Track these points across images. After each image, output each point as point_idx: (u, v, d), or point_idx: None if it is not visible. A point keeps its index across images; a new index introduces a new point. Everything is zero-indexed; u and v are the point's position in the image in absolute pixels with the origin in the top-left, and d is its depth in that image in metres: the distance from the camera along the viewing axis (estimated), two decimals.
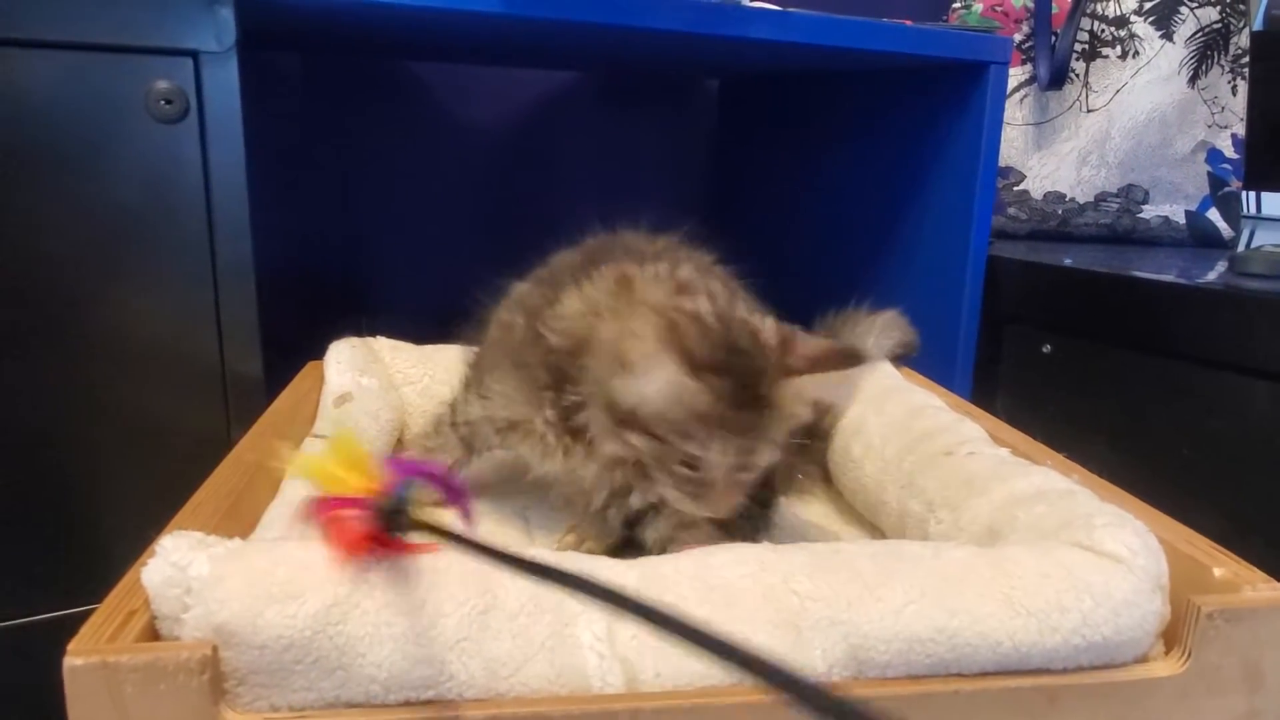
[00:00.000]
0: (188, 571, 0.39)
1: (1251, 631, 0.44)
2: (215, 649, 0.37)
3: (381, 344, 0.83)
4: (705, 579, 0.44)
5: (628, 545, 0.60)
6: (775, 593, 0.43)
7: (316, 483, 0.41)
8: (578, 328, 0.55)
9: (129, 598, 0.40)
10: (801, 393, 0.52)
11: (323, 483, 0.41)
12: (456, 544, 0.39)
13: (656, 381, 0.49)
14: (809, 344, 0.53)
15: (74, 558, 0.70)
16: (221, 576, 0.39)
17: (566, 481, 0.61)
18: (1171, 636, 0.45)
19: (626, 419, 0.51)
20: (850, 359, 0.52)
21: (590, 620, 0.41)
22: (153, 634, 0.39)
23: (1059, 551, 0.45)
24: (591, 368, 0.53)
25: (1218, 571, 0.46)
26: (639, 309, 0.52)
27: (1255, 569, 0.46)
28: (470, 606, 0.41)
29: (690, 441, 0.50)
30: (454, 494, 0.42)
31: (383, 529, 0.39)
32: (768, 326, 0.53)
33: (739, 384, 0.49)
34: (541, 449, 0.59)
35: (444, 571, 0.42)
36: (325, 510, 0.40)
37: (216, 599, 0.38)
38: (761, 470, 0.54)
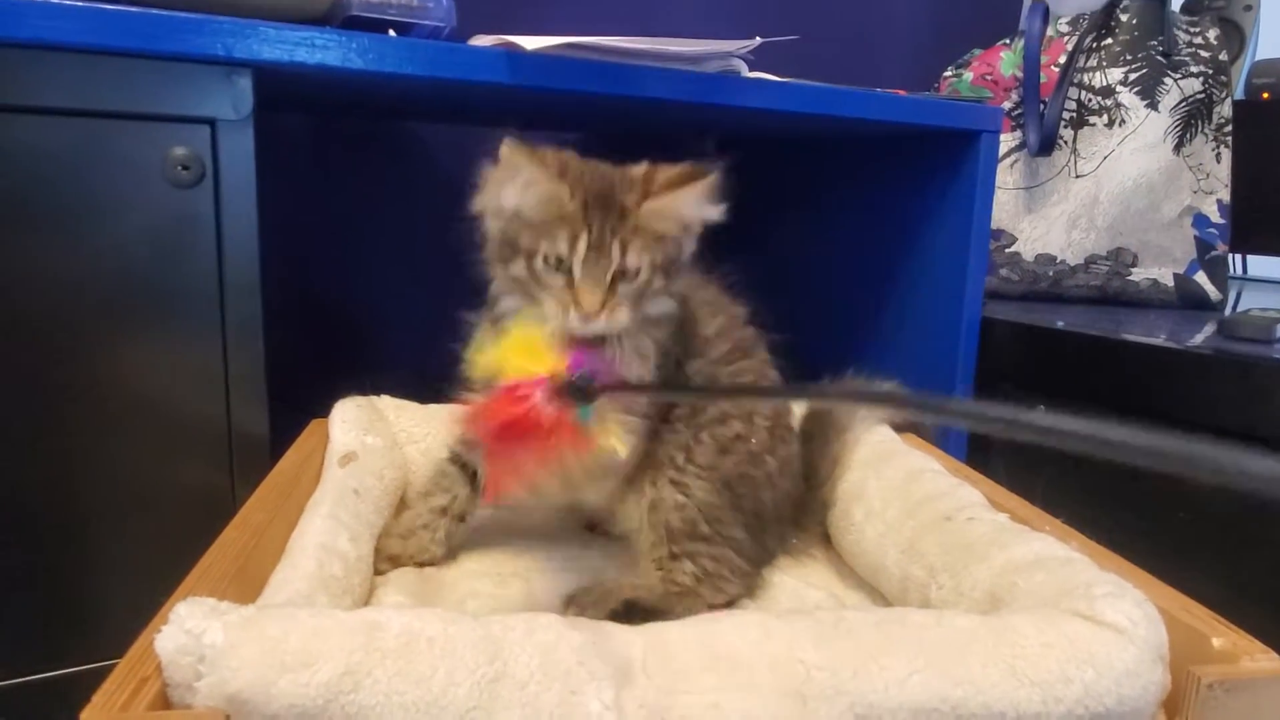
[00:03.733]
0: (201, 639, 0.39)
1: (1251, 702, 0.45)
2: (228, 718, 0.38)
3: (386, 403, 0.84)
4: (711, 646, 0.45)
5: (629, 614, 0.61)
6: (781, 661, 0.44)
7: (505, 372, 0.44)
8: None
9: (141, 664, 0.40)
10: (662, 210, 0.60)
11: (511, 370, 0.43)
12: (650, 393, 0.43)
13: (513, 184, 0.58)
14: (664, 171, 0.62)
15: (75, 617, 0.70)
16: (235, 644, 0.39)
17: None
18: (1172, 707, 0.46)
19: (505, 252, 0.61)
20: (695, 175, 0.61)
21: (599, 688, 0.42)
22: (165, 702, 0.39)
23: (1061, 621, 0.46)
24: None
25: (1217, 642, 0.46)
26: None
27: (1254, 639, 0.47)
28: (480, 675, 0.41)
29: (548, 238, 0.58)
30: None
31: (572, 401, 0.42)
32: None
33: (596, 191, 0.59)
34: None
35: (454, 640, 0.42)
36: (515, 395, 0.42)
37: (230, 667, 0.38)
38: (641, 288, 0.61)
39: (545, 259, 0.59)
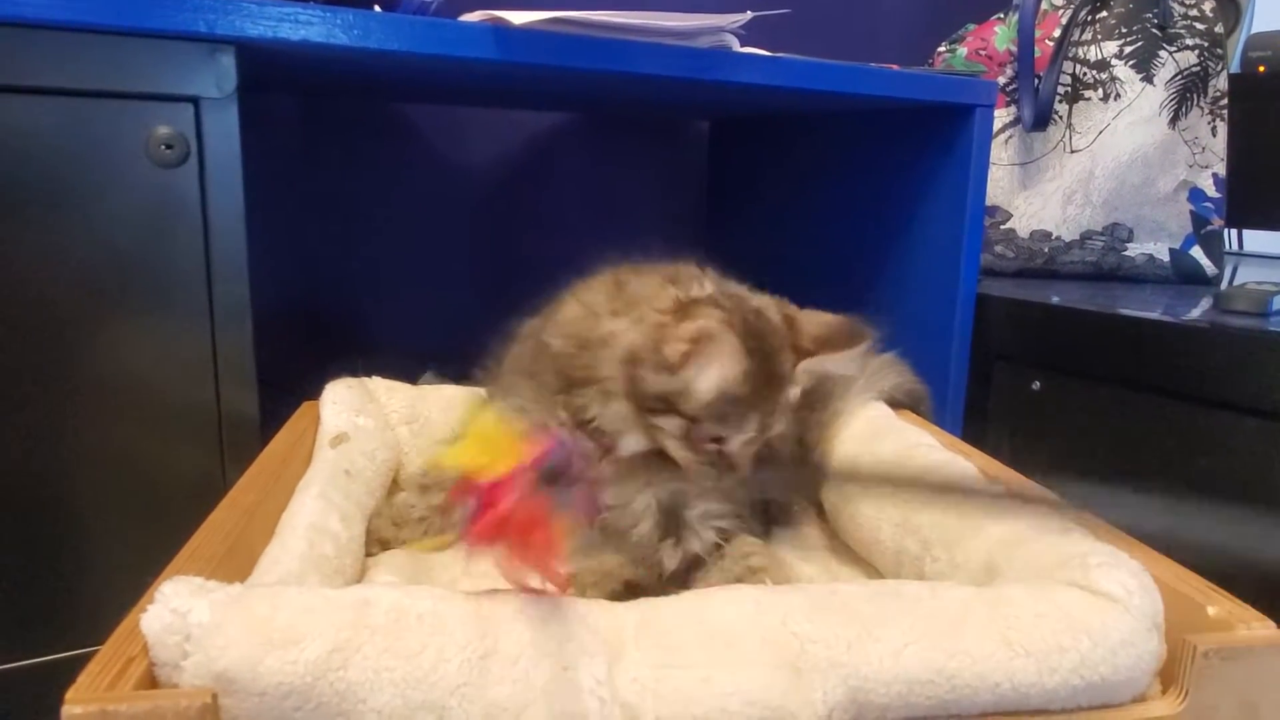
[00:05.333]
0: (188, 618, 0.39)
1: (1247, 670, 0.45)
2: (215, 696, 0.37)
3: (377, 384, 0.83)
4: (704, 620, 0.44)
5: (629, 594, 0.60)
6: (775, 634, 0.43)
7: (471, 470, 0.42)
8: (580, 330, 0.59)
9: (127, 644, 0.40)
10: (809, 368, 0.57)
11: (476, 470, 0.42)
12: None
13: (711, 372, 0.53)
14: (813, 322, 0.57)
15: (65, 601, 0.70)
16: (221, 623, 0.39)
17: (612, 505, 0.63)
18: (1168, 675, 0.45)
19: (657, 407, 0.55)
20: (855, 337, 0.57)
21: (591, 665, 0.41)
22: (151, 681, 0.39)
23: (1056, 591, 0.46)
24: (601, 363, 0.57)
25: (1212, 610, 0.46)
26: (658, 300, 0.57)
27: (1249, 607, 0.47)
28: (471, 651, 0.41)
29: (724, 423, 0.54)
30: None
31: (548, 489, 0.41)
32: (768, 305, 0.58)
33: (765, 367, 0.54)
34: None
35: (444, 616, 0.42)
36: (491, 495, 0.41)
37: (216, 646, 0.38)
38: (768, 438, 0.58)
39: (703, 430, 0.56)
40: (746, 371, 0.53)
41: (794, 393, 0.57)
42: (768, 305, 0.58)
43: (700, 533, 0.61)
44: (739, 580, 0.59)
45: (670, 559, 0.61)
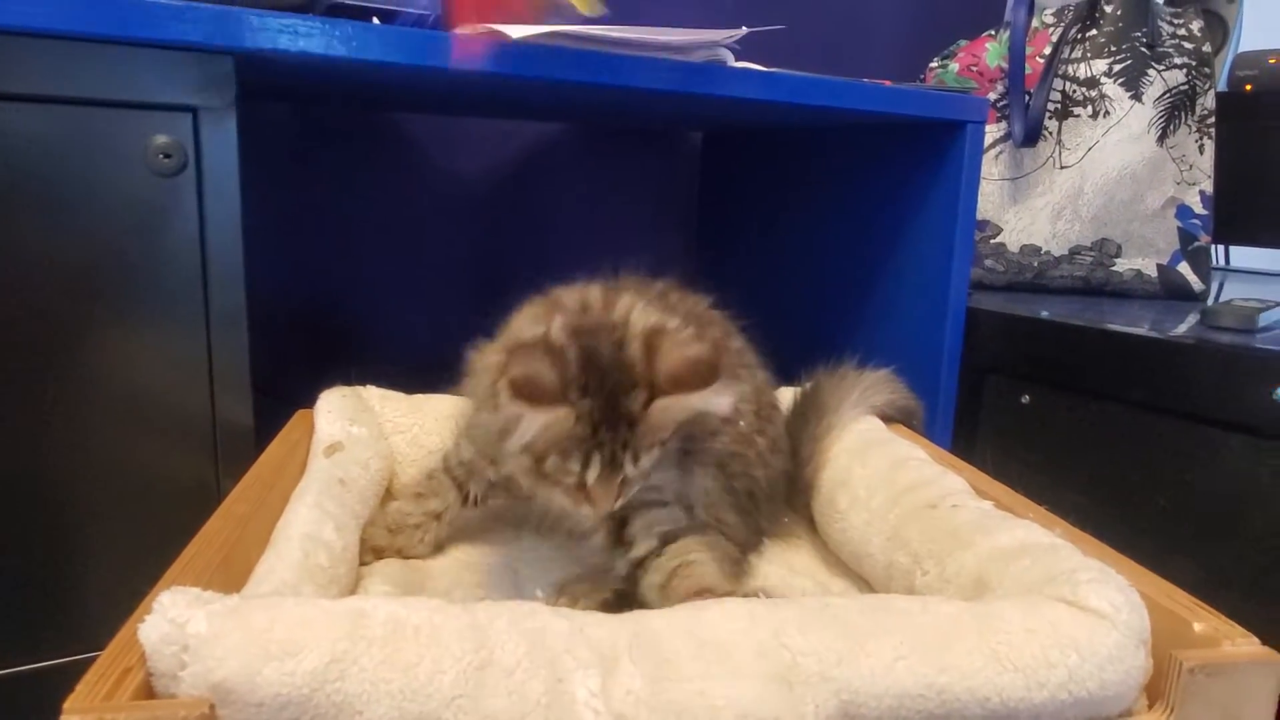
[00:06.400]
0: (185, 628, 0.39)
1: (1232, 685, 0.45)
2: (212, 707, 0.37)
3: (371, 393, 0.83)
4: (697, 633, 0.45)
5: (620, 604, 0.61)
6: (767, 647, 0.44)
7: None
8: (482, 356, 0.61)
9: (125, 654, 0.40)
10: (665, 407, 0.55)
11: None
12: None
13: (530, 416, 0.53)
14: (672, 358, 0.55)
15: (58, 609, 0.70)
16: (219, 634, 0.39)
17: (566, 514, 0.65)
18: (1154, 691, 0.46)
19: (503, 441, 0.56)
20: (706, 378, 0.55)
21: (586, 676, 0.42)
22: (149, 691, 0.39)
23: (1045, 607, 0.46)
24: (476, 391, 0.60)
25: (1198, 626, 0.47)
26: (515, 333, 0.59)
27: (1234, 624, 0.48)
28: (466, 663, 0.41)
29: (566, 458, 0.55)
30: None
31: None
32: (637, 336, 0.57)
33: (607, 406, 0.54)
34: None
35: (440, 628, 0.42)
36: None
37: (214, 656, 0.38)
38: (648, 474, 0.58)
39: (554, 465, 0.56)
40: (569, 413, 0.53)
41: (657, 429, 0.56)
42: (636, 337, 0.57)
43: (643, 540, 0.63)
44: (672, 574, 0.61)
45: (622, 564, 0.64)
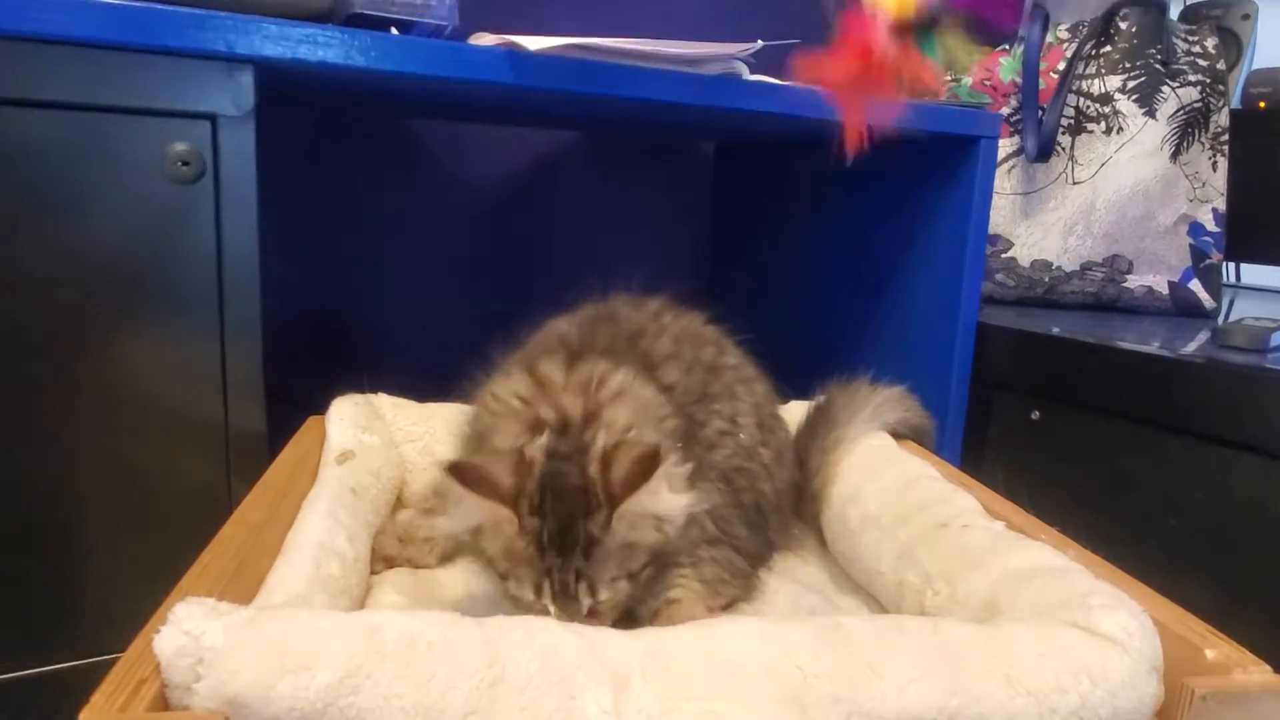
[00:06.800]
0: (201, 641, 0.39)
1: (1244, 714, 0.45)
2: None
3: (383, 401, 0.84)
4: (709, 652, 0.45)
5: (628, 618, 0.61)
6: (778, 667, 0.44)
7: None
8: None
9: (140, 664, 0.40)
10: (625, 513, 0.54)
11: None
12: None
13: (493, 537, 0.55)
14: (622, 464, 0.54)
15: (72, 613, 0.70)
16: (235, 646, 0.39)
17: None
18: (1165, 717, 0.46)
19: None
20: (645, 470, 0.53)
21: (598, 694, 0.42)
22: (164, 703, 0.39)
23: (1057, 631, 0.46)
24: None
25: (1210, 653, 0.47)
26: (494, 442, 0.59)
27: (1246, 651, 0.47)
28: (479, 679, 0.41)
29: (520, 581, 0.55)
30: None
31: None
32: (605, 449, 0.55)
33: (564, 528, 0.53)
34: None
35: (454, 643, 0.42)
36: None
37: (229, 669, 0.38)
38: (621, 604, 0.56)
39: (510, 578, 0.56)
40: (511, 520, 0.53)
41: (622, 551, 0.55)
42: (595, 458, 0.55)
43: None
44: (656, 615, 0.62)
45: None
